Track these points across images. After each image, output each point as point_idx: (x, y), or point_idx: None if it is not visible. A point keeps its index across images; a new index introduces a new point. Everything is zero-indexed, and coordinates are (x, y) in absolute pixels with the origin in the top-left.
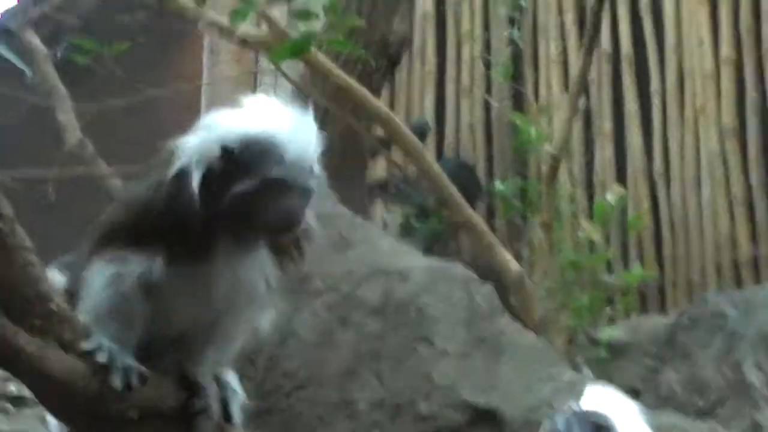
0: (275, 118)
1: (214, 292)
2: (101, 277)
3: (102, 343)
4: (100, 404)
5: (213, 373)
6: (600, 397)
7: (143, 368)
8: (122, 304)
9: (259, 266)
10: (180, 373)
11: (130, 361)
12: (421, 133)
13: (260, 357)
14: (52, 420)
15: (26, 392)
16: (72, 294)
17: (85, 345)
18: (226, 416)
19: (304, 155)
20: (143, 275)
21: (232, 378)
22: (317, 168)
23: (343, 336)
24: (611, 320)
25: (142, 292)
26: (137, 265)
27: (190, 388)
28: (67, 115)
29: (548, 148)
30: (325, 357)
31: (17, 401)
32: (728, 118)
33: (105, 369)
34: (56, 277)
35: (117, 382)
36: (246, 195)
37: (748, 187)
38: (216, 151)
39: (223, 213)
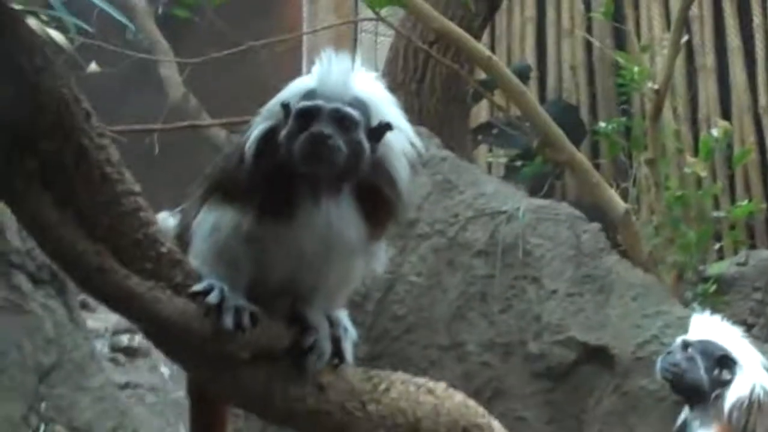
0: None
1: (303, 242)
2: (204, 226)
3: (213, 285)
4: (213, 345)
5: (325, 313)
6: (713, 328)
7: (255, 308)
8: (225, 251)
9: (347, 215)
10: (291, 313)
11: (242, 301)
12: (523, 76)
13: (369, 302)
14: (164, 369)
15: (137, 343)
16: (183, 240)
17: (196, 287)
18: (339, 355)
19: (333, 86)
20: (237, 227)
21: (344, 317)
22: (356, 97)
23: (451, 279)
24: (720, 255)
25: (241, 241)
26: (232, 216)
27: (302, 326)
28: (169, 70)
29: (651, 85)
30: (433, 300)
31: (129, 352)
32: None
33: (216, 310)
34: (168, 221)
35: (228, 322)
36: (288, 135)
37: None
38: (278, 108)
39: (291, 162)
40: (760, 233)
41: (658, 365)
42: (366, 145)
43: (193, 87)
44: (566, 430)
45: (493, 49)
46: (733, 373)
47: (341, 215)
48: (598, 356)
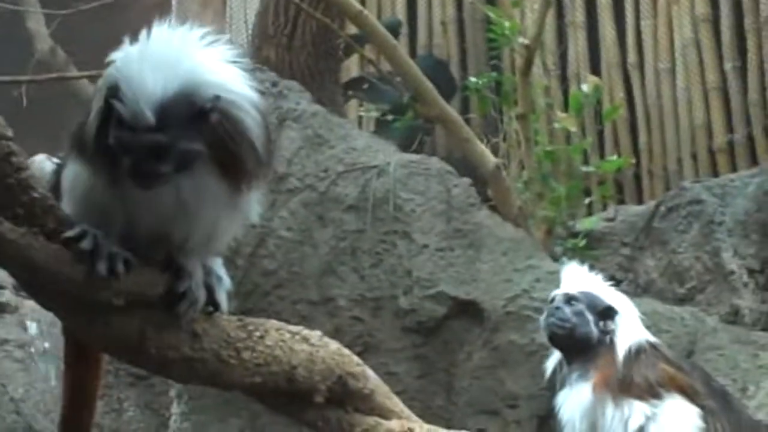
0: (127, 58)
1: (156, 206)
2: (67, 179)
3: (86, 231)
4: (86, 291)
5: (200, 261)
6: (586, 280)
7: (128, 255)
8: (87, 205)
9: (198, 177)
10: (166, 259)
11: (115, 248)
12: (394, 31)
13: (239, 257)
14: (32, 325)
15: (4, 299)
16: (59, 189)
17: (69, 233)
18: (213, 303)
19: (147, 90)
20: (93, 186)
21: (218, 265)
22: (173, 96)
23: (321, 233)
24: (589, 211)
25: (99, 197)
26: (87, 176)
27: (176, 273)
28: (37, 23)
29: (522, 40)
30: (304, 255)
31: None
32: (701, 6)
33: (90, 256)
34: (45, 164)
35: (102, 268)
36: (113, 144)
37: (723, 74)
38: (105, 90)
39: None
40: (628, 189)
41: (544, 322)
42: (191, 146)
43: (61, 40)
44: (436, 384)
45: (363, 3)
46: (615, 323)
47: (191, 178)
48: (468, 311)
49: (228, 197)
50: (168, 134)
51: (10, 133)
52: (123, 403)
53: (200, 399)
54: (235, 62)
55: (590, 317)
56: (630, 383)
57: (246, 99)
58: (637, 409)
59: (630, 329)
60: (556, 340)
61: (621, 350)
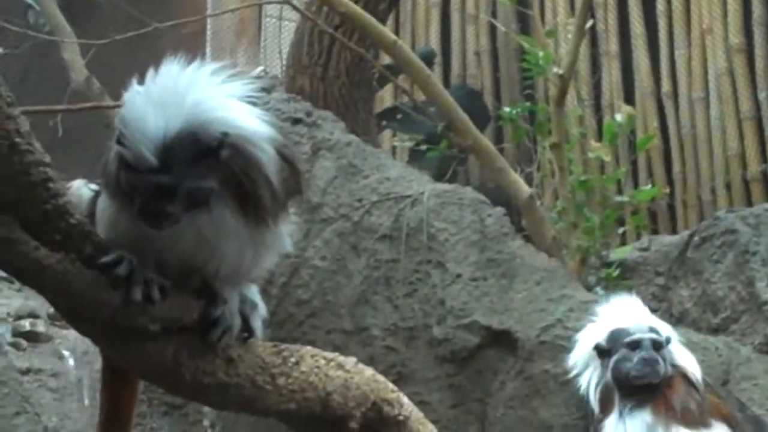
0: (131, 97)
1: (176, 244)
2: (99, 210)
3: (122, 257)
4: (122, 317)
5: (235, 288)
6: (641, 313)
7: (164, 281)
8: (118, 236)
9: (216, 214)
10: (201, 286)
11: (151, 273)
12: (428, 61)
13: (273, 286)
14: (67, 354)
15: (39, 329)
16: (94, 215)
17: (105, 258)
18: (248, 330)
19: (150, 132)
20: (118, 221)
21: (253, 292)
22: (177, 135)
23: (355, 263)
24: (623, 240)
25: (128, 231)
26: (113, 210)
27: (210, 300)
28: (72, 54)
29: (556, 70)
30: (338, 285)
31: (31, 337)
32: (735, 36)
33: (125, 282)
34: (82, 189)
35: (137, 294)
36: (126, 190)
37: (757, 104)
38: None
39: None
40: (662, 218)
41: (632, 370)
42: (200, 184)
43: (96, 71)
44: (470, 413)
45: (397, 34)
46: (670, 351)
47: (209, 215)
48: (501, 340)
49: (249, 232)
50: (173, 175)
51: (47, 159)
52: None
53: (233, 428)
54: (249, 97)
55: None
56: (685, 411)
57: (258, 135)
58: None
59: (682, 356)
60: (641, 386)
61: (678, 379)
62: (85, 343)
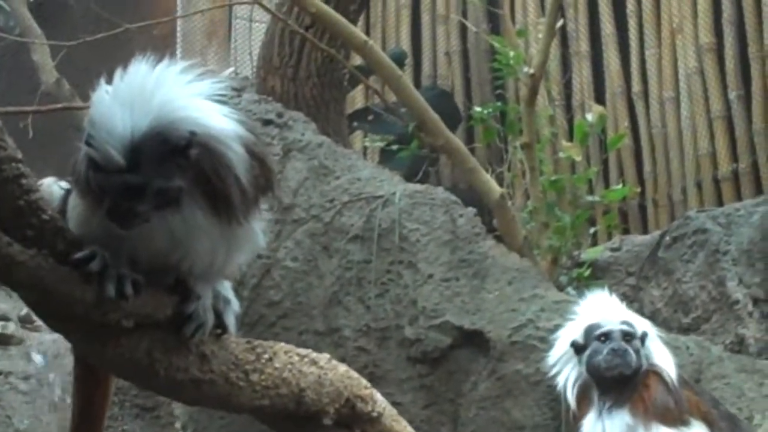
0: (99, 97)
1: (148, 242)
2: (71, 209)
3: (95, 253)
4: (95, 313)
5: (209, 284)
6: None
7: (138, 276)
8: (89, 234)
9: (186, 213)
10: (175, 282)
11: (124, 269)
12: (399, 62)
13: (244, 288)
14: (37, 357)
15: (10, 331)
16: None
17: (78, 254)
18: (221, 326)
19: (118, 135)
20: (90, 219)
21: (226, 288)
22: (145, 135)
23: (327, 264)
24: (594, 240)
25: (98, 229)
26: (84, 209)
27: (184, 295)
28: (42, 56)
29: (527, 69)
30: (310, 285)
31: (2, 339)
32: (705, 35)
33: (98, 277)
34: (53, 187)
35: (111, 290)
36: (94, 189)
37: (727, 103)
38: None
39: None
40: (633, 218)
41: (602, 361)
42: (169, 183)
43: (66, 73)
44: (442, 414)
45: (368, 35)
46: (647, 348)
47: (179, 214)
48: (473, 340)
49: (221, 230)
50: (141, 174)
51: (19, 155)
52: None
53: (205, 430)
54: (217, 96)
55: (636, 347)
56: (664, 410)
57: (226, 133)
58: None
59: (660, 354)
60: (612, 380)
61: (658, 375)
62: (56, 345)
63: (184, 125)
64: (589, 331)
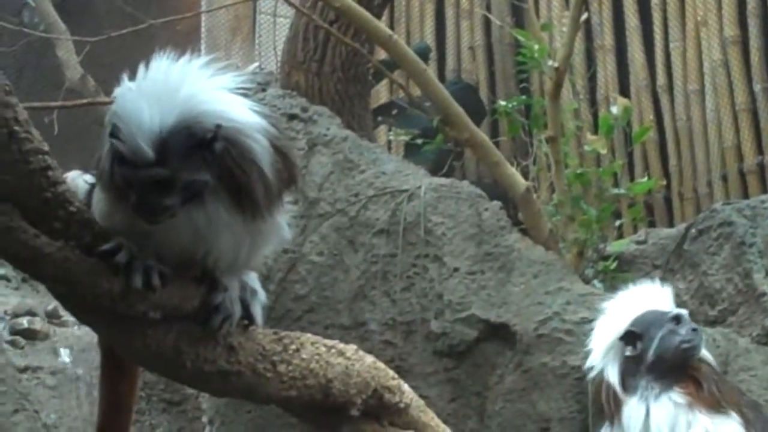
0: (124, 92)
1: (172, 238)
2: (95, 202)
3: (121, 244)
4: (123, 304)
5: (235, 276)
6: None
7: (164, 268)
8: (115, 228)
9: (210, 208)
10: (202, 273)
11: (151, 261)
12: (423, 57)
13: (270, 282)
14: (64, 352)
15: (37, 326)
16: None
17: (105, 246)
18: (248, 317)
19: (145, 124)
20: (113, 214)
21: (252, 279)
22: (173, 128)
23: (353, 258)
24: (619, 233)
25: (121, 225)
26: (109, 205)
27: (210, 287)
28: (66, 52)
29: (551, 63)
30: (335, 280)
31: (29, 334)
32: (730, 28)
33: (125, 269)
34: (78, 180)
35: (138, 281)
36: (110, 164)
37: (752, 96)
38: (108, 127)
39: None
40: (659, 211)
41: (688, 343)
42: (196, 176)
43: (91, 69)
44: (469, 407)
45: (392, 29)
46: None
47: (208, 210)
48: (499, 334)
49: (245, 224)
50: (169, 168)
51: (46, 147)
52: (155, 429)
53: (232, 424)
54: (241, 89)
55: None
56: (711, 395)
57: (251, 126)
58: (700, 422)
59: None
60: (685, 359)
61: (706, 365)
62: (82, 340)
63: (210, 118)
64: (649, 319)
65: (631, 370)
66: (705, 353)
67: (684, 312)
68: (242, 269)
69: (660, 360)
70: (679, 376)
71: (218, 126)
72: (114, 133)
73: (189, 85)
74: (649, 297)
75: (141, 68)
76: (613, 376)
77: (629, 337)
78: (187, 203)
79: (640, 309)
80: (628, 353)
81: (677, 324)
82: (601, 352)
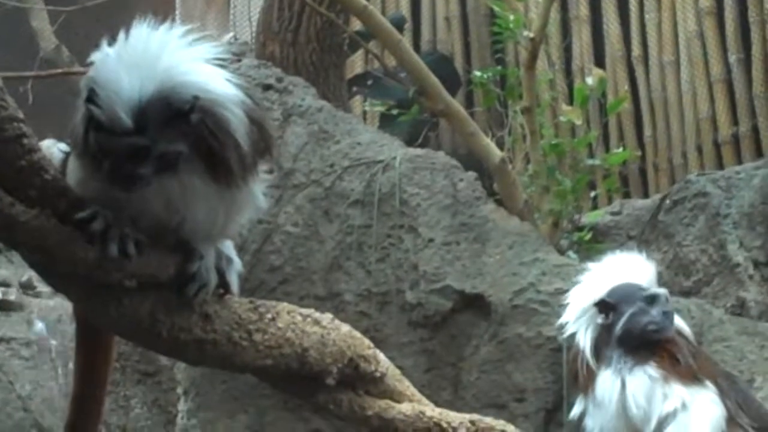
0: (103, 59)
1: (147, 205)
2: (70, 170)
3: (97, 212)
4: (98, 273)
5: (211, 245)
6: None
7: (140, 236)
8: (90, 196)
9: (184, 176)
10: (177, 241)
11: (127, 229)
12: (398, 27)
13: (245, 253)
14: (39, 323)
15: (11, 297)
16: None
17: (81, 214)
18: (224, 286)
19: (125, 96)
20: (87, 182)
21: (228, 247)
22: (151, 97)
23: (327, 229)
24: (594, 204)
25: (96, 194)
26: (83, 174)
27: (186, 255)
28: (41, 22)
29: (527, 33)
30: (310, 250)
31: (3, 305)
32: None
33: (101, 237)
34: (53, 149)
35: (113, 249)
36: (85, 131)
37: (727, 66)
38: (84, 93)
39: None
40: (634, 182)
41: (656, 326)
42: (172, 147)
43: (66, 39)
44: (444, 378)
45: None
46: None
47: (177, 178)
48: (474, 304)
49: (219, 194)
50: (146, 137)
51: (21, 115)
52: (130, 400)
53: (207, 395)
54: (218, 60)
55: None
56: (686, 367)
57: (227, 98)
58: (676, 393)
59: (676, 315)
60: (655, 341)
61: (681, 336)
62: (57, 311)
63: (188, 89)
64: (624, 292)
65: (604, 339)
66: (681, 325)
67: (661, 292)
68: (218, 238)
69: (626, 336)
70: (653, 349)
71: (196, 97)
72: (91, 99)
73: (168, 55)
74: (632, 269)
75: (121, 35)
76: (585, 342)
77: (602, 305)
78: (162, 173)
79: (619, 279)
80: (599, 321)
81: (650, 304)
82: (575, 315)
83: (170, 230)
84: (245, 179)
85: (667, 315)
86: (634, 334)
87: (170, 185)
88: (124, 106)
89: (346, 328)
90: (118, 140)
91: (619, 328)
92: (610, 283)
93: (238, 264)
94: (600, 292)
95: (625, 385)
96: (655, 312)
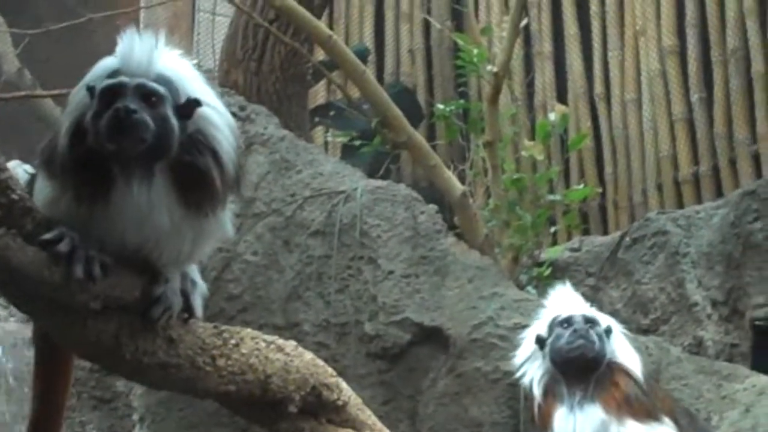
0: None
1: (119, 225)
2: (37, 193)
3: (63, 234)
4: (63, 294)
5: (177, 268)
6: (579, 302)
7: (106, 258)
8: (57, 218)
9: (159, 199)
10: (143, 264)
11: (93, 251)
12: (362, 58)
13: (203, 281)
14: None
15: None
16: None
17: (47, 235)
18: (188, 310)
19: (137, 63)
20: (57, 203)
21: (193, 271)
22: (161, 74)
23: (287, 258)
24: (554, 240)
25: (66, 213)
26: (54, 194)
27: (152, 278)
28: (3, 44)
29: (490, 67)
30: (270, 280)
31: None
32: (668, 38)
33: (67, 258)
34: (18, 170)
35: (79, 271)
36: (94, 116)
37: (689, 106)
38: (84, 92)
39: (100, 145)
40: (594, 219)
41: (564, 344)
42: (174, 121)
43: (29, 63)
44: (401, 410)
45: (331, 29)
46: (611, 342)
47: (153, 200)
48: (433, 337)
49: (188, 220)
50: (162, 88)
51: None
52: (85, 426)
53: (163, 423)
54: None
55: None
56: (637, 405)
57: (222, 115)
58: (630, 430)
59: (625, 349)
60: (575, 363)
61: (627, 371)
62: (13, 335)
63: (193, 90)
64: (552, 323)
65: (554, 375)
66: (624, 359)
67: (576, 314)
68: (185, 263)
69: (555, 364)
70: (598, 385)
71: (197, 101)
72: (107, 70)
73: (168, 57)
74: (562, 301)
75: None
76: (535, 383)
77: (539, 341)
78: (152, 141)
79: (551, 314)
80: (541, 357)
81: (566, 327)
82: (522, 358)
83: (138, 252)
84: (218, 207)
85: (579, 332)
86: (558, 360)
87: (140, 202)
88: (146, 53)
89: (309, 355)
90: (133, 81)
91: (548, 359)
92: (548, 317)
93: (202, 287)
94: (539, 329)
95: (575, 426)
96: (568, 333)
